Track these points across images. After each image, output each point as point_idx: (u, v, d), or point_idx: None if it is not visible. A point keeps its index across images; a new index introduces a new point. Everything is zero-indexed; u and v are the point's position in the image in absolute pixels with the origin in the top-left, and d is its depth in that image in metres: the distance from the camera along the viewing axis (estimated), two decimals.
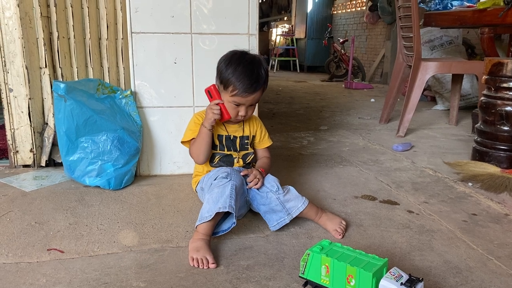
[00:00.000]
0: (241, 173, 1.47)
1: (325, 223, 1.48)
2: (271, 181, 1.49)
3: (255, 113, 1.85)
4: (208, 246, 1.30)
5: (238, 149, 1.60)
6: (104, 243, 1.37)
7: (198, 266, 1.23)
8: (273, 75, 8.45)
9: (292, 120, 3.57)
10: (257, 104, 1.63)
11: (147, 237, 1.42)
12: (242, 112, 1.48)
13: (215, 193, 1.35)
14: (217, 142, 1.57)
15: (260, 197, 1.47)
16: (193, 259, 1.25)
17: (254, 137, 1.65)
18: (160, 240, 1.40)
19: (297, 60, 9.42)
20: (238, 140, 1.60)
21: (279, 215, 1.44)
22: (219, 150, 1.58)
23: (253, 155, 1.64)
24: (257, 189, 1.47)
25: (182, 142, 1.62)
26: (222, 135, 1.57)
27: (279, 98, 5.01)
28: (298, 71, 9.38)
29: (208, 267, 1.23)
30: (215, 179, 1.42)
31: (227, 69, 1.44)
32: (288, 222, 1.44)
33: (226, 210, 1.31)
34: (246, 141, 1.61)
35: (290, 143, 2.73)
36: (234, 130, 1.59)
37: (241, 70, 1.42)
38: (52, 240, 1.38)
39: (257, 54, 1.54)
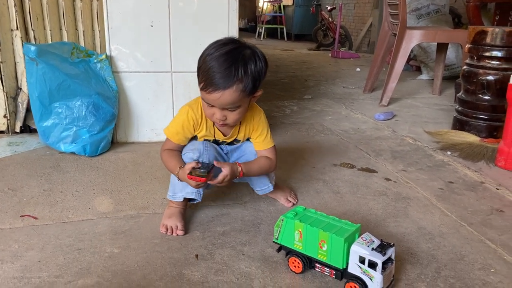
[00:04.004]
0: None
1: (275, 193, 1.45)
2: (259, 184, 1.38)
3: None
4: (181, 214, 1.29)
5: (226, 144, 1.38)
6: (79, 210, 1.36)
7: (167, 233, 1.24)
8: (260, 43, 8.32)
9: (276, 89, 3.53)
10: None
11: (123, 204, 1.40)
12: (217, 115, 1.17)
13: None
14: (200, 140, 1.33)
15: (245, 158, 1.36)
16: (163, 225, 1.26)
17: (248, 138, 1.37)
18: (136, 206, 1.39)
19: (284, 28, 9.27)
20: (226, 143, 1.37)
21: (263, 181, 1.38)
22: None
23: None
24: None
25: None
26: (209, 140, 1.33)
27: None
28: (286, 39, 9.24)
29: (177, 234, 1.23)
30: (184, 154, 1.29)
31: (201, 56, 1.16)
32: (271, 190, 1.40)
33: (193, 197, 1.27)
34: (235, 143, 1.36)
35: (273, 112, 2.71)
36: (226, 138, 1.33)
37: (212, 58, 1.11)
38: (25, 206, 1.36)
39: (253, 46, 1.17)
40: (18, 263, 1.08)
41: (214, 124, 1.27)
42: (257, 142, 1.34)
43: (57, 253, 1.12)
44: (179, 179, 1.24)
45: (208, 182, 1.18)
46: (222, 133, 1.31)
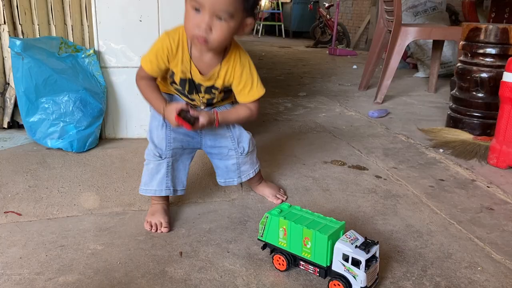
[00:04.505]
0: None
1: (263, 190, 1.44)
2: (243, 139, 1.32)
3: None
4: (165, 210, 1.27)
5: (203, 92, 1.25)
6: (64, 206, 1.34)
7: (151, 230, 1.22)
8: (257, 40, 8.30)
9: (271, 86, 3.51)
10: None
11: (109, 200, 1.39)
12: (203, 24, 1.03)
13: (151, 168, 1.27)
14: (177, 81, 1.23)
15: (218, 151, 1.33)
16: (147, 223, 1.24)
17: (228, 86, 1.25)
18: (122, 203, 1.37)
19: (282, 25, 9.24)
20: (203, 88, 1.24)
21: (229, 175, 1.36)
22: (179, 85, 1.24)
23: (221, 100, 1.31)
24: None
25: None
26: (185, 79, 1.22)
27: (261, 63, 4.92)
28: (284, 36, 9.22)
29: (161, 231, 1.22)
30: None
31: None
32: (235, 184, 1.39)
33: (163, 194, 1.27)
34: (213, 90, 1.24)
35: (267, 109, 2.69)
36: (203, 79, 1.21)
37: None
38: (10, 202, 1.34)
39: None
40: None
41: (191, 59, 1.17)
42: (242, 94, 1.24)
43: (39, 250, 1.11)
44: (163, 116, 1.19)
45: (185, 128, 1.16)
46: (200, 72, 1.19)
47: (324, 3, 7.71)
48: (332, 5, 7.18)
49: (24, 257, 1.08)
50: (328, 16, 7.28)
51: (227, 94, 1.29)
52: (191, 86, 1.23)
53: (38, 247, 1.12)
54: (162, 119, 1.23)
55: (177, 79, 1.22)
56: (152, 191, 1.27)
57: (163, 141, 1.24)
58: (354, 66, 4.80)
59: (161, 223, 1.22)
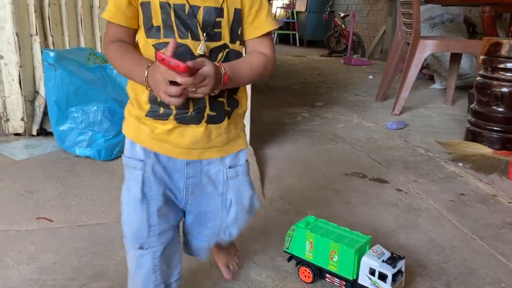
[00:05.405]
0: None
1: (220, 256, 1.08)
2: (233, 224, 0.92)
3: None
4: None
5: (203, 34, 0.76)
6: (93, 213, 1.38)
7: None
8: None
9: (287, 95, 3.54)
10: None
11: None
12: None
13: (130, 258, 0.89)
14: (158, 21, 0.75)
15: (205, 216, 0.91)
16: None
17: (239, 11, 0.80)
18: None
19: (297, 34, 9.29)
20: (200, 14, 0.75)
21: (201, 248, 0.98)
22: (163, 37, 0.75)
23: (231, 52, 0.80)
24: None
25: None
26: (168, 4, 0.74)
27: (276, 72, 4.95)
28: (298, 45, 9.26)
29: None
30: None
31: None
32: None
33: None
34: (218, 19, 0.77)
35: (284, 119, 2.72)
36: None
37: None
38: (41, 209, 1.39)
39: None
40: (34, 265, 1.10)
41: None
42: (257, 19, 0.81)
43: (71, 256, 1.15)
44: (147, 84, 0.72)
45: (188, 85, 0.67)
46: None
47: (340, 13, 7.74)
48: (348, 15, 7.20)
49: (57, 262, 1.12)
50: (343, 25, 7.30)
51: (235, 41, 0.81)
52: (180, 16, 0.75)
53: (70, 253, 1.16)
54: (140, 192, 0.83)
55: (156, 13, 0.75)
56: None
57: (144, 226, 0.84)
58: (370, 77, 4.81)
59: None
